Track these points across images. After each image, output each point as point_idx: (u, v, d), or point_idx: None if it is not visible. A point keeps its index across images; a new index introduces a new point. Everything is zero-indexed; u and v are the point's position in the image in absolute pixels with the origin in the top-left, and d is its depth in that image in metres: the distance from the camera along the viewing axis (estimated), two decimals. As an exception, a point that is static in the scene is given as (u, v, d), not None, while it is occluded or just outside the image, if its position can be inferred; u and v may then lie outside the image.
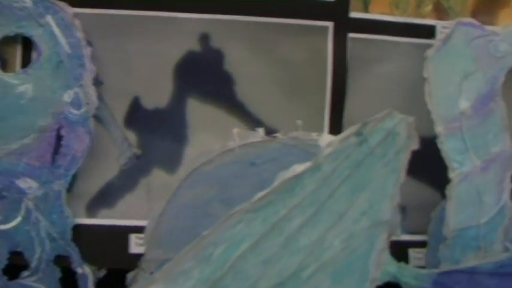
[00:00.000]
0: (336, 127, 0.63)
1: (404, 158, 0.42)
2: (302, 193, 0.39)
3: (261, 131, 0.48)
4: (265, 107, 0.63)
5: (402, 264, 0.54)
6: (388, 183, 0.42)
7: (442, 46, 0.61)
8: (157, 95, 0.62)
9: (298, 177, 0.39)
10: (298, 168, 0.39)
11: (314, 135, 0.45)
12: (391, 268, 0.53)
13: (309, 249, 0.40)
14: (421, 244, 0.65)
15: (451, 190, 0.59)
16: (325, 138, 0.44)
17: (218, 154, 0.46)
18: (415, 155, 0.62)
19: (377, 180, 0.41)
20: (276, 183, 0.39)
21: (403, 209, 0.65)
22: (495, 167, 0.61)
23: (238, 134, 0.47)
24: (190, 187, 0.47)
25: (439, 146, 0.60)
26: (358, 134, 0.40)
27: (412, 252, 0.64)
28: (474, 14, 0.66)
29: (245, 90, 0.62)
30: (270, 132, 0.61)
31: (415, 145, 0.43)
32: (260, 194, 0.38)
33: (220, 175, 0.46)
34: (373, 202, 0.41)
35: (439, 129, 0.60)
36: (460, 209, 0.59)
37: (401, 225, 0.63)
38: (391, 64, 0.64)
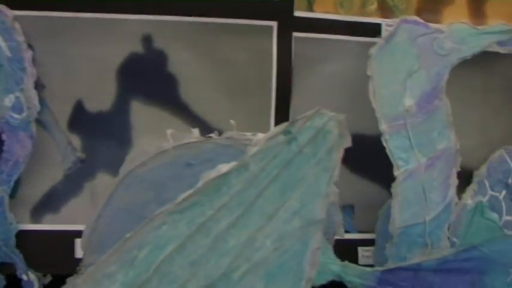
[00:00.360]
0: (282, 127, 0.63)
1: (337, 157, 0.41)
2: (229, 193, 0.39)
3: (195, 131, 0.47)
4: (210, 108, 0.62)
5: (346, 262, 0.54)
6: (321, 182, 0.41)
7: (385, 44, 0.61)
8: (101, 98, 0.61)
9: (224, 177, 0.39)
10: (223, 168, 0.38)
11: (249, 135, 0.45)
12: (335, 267, 0.52)
13: (238, 250, 0.39)
14: (370, 242, 0.65)
15: (397, 188, 0.59)
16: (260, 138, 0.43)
17: (152, 156, 0.45)
18: (362, 153, 0.62)
19: (308, 179, 0.41)
20: (200, 183, 0.38)
21: (351, 208, 0.65)
22: (440, 164, 0.61)
23: (172, 135, 0.46)
24: (125, 190, 0.46)
25: (384, 144, 0.59)
26: (286, 132, 0.40)
27: (361, 251, 0.65)
28: (419, 12, 0.66)
29: (189, 92, 0.62)
30: (218, 133, 0.61)
31: (347, 143, 0.42)
32: (184, 195, 0.38)
33: (156, 177, 0.46)
34: (305, 202, 0.41)
35: (383, 127, 0.60)
36: (406, 207, 0.59)
37: (350, 224, 0.64)
38: (337, 63, 0.64)
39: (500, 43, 0.65)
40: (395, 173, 0.59)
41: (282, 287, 0.41)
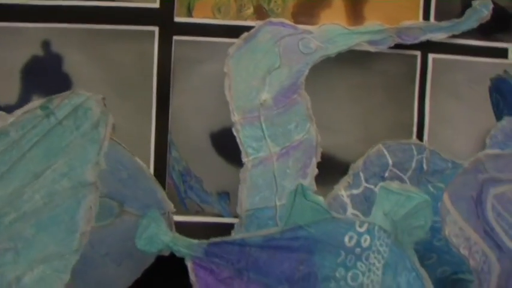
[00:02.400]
0: (162, 122, 0.71)
1: (104, 131, 0.49)
2: (-7, 152, 0.48)
3: (2, 114, 0.55)
4: (99, 104, 0.71)
5: (176, 234, 0.60)
6: (89, 151, 0.49)
7: (244, 44, 0.67)
8: (8, 93, 0.71)
9: (-13, 140, 0.47)
10: (-20, 133, 0.47)
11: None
12: (166, 238, 0.58)
13: (6, 199, 0.48)
14: (243, 227, 0.70)
15: (245, 173, 0.64)
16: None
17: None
18: (237, 144, 0.68)
19: (74, 148, 0.49)
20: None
21: (226, 195, 0.71)
22: (296, 153, 0.65)
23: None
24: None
25: (235, 133, 0.65)
26: (44, 108, 0.48)
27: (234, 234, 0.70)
28: (295, 16, 0.71)
29: (81, 90, 0.71)
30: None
31: (111, 120, 0.50)
32: None
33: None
34: (73, 166, 0.49)
35: (235, 118, 0.65)
36: (255, 191, 0.64)
37: (225, 209, 0.70)
38: (215, 63, 0.71)
39: (371, 42, 0.69)
40: (244, 159, 0.64)
41: (55, 236, 0.48)
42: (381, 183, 0.61)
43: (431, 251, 0.68)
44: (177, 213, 0.70)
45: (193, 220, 0.71)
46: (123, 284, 0.65)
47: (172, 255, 0.60)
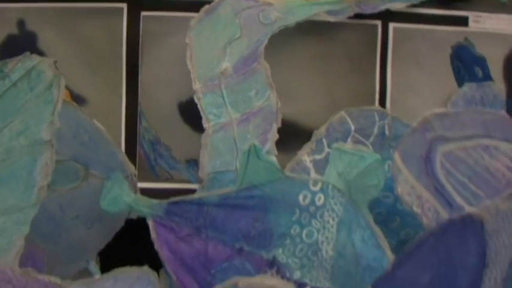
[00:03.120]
0: (132, 94, 0.74)
1: (57, 92, 0.52)
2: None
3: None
4: (72, 79, 0.74)
5: (138, 195, 0.63)
6: (44, 111, 0.52)
7: (205, 16, 0.70)
8: (-13, 71, 0.75)
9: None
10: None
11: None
12: (127, 198, 0.61)
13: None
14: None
15: (206, 139, 0.67)
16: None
17: None
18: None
19: (29, 108, 0.52)
20: None
21: (194, 162, 0.74)
22: (256, 119, 0.68)
23: None
24: None
25: (196, 101, 0.68)
26: (-2, 71, 0.52)
27: (202, 199, 0.73)
28: (259, -10, 0.74)
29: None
30: (79, 99, 0.74)
31: (63, 82, 0.53)
32: None
33: None
34: (29, 125, 0.52)
35: (197, 86, 0.68)
36: (216, 155, 0.67)
37: (193, 176, 0.73)
38: (181, 37, 0.73)
39: (330, 12, 0.71)
40: (205, 125, 0.67)
41: (14, 190, 0.52)
42: (334, 144, 0.63)
43: (395, 214, 0.70)
44: (148, 180, 0.73)
45: (164, 187, 0.74)
46: (95, 247, 0.68)
47: (139, 219, 0.63)
